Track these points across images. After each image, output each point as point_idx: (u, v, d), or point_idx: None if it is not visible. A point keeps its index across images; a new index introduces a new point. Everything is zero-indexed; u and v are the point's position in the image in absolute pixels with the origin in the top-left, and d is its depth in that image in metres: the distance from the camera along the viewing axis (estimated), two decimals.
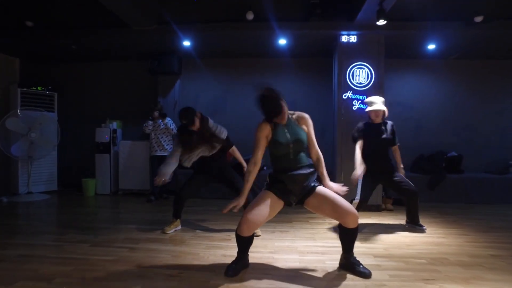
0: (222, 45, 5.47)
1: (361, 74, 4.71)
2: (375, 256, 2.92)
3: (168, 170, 3.38)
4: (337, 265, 2.69)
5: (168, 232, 3.55)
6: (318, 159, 2.58)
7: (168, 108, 6.03)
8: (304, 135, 2.50)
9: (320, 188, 2.48)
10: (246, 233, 2.42)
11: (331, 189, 2.48)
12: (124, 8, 4.20)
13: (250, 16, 4.47)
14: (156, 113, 5.41)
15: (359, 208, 3.50)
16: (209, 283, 2.36)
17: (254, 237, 2.69)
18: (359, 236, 3.47)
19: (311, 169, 2.51)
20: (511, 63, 5.94)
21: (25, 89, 5.83)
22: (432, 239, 3.49)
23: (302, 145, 2.48)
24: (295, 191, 2.46)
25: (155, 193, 5.47)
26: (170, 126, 5.45)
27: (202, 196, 5.48)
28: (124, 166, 5.94)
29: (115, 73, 6.39)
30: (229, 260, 2.66)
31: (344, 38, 4.72)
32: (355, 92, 4.71)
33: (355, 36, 4.70)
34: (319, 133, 5.79)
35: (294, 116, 2.56)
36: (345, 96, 4.72)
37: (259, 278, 2.45)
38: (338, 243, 3.26)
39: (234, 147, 3.80)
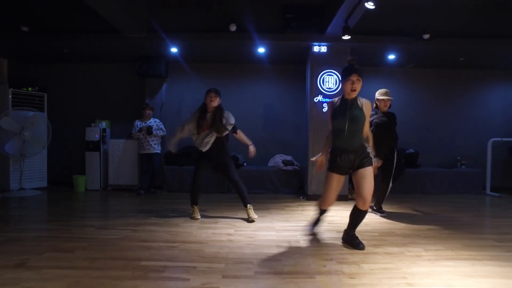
0: (207, 52, 6.01)
1: (330, 80, 5.39)
2: (338, 231, 3.57)
3: (172, 140, 4.14)
4: (307, 238, 3.32)
5: (197, 217, 4.10)
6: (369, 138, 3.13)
7: (155, 109, 6.50)
8: (360, 115, 2.95)
9: (367, 168, 2.94)
10: (324, 207, 3.26)
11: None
12: (117, 16, 4.62)
13: (233, 28, 5.04)
14: (148, 112, 5.94)
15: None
16: (204, 251, 2.93)
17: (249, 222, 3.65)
18: (325, 218, 4.16)
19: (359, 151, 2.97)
20: (458, 72, 6.84)
21: (15, 89, 6.11)
22: (386, 219, 4.20)
23: (356, 125, 2.94)
24: (343, 165, 2.99)
25: (144, 188, 5.92)
26: (159, 133, 5.95)
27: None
28: (114, 163, 6.34)
29: (104, 75, 6.77)
30: (219, 237, 3.29)
31: (316, 48, 5.39)
32: (325, 96, 5.39)
33: (325, 47, 5.37)
34: (295, 131, 6.56)
35: (360, 99, 3.01)
36: (316, 99, 5.39)
37: (244, 247, 3.04)
38: (308, 223, 3.94)
39: (239, 131, 4.20)
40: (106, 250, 2.92)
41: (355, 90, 2.92)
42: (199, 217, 4.12)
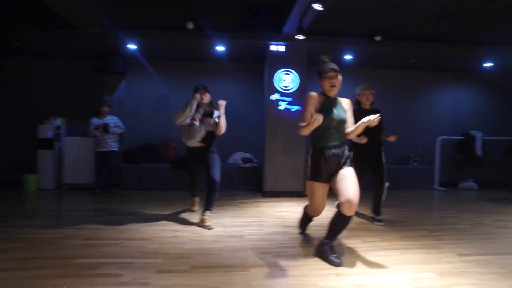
0: (166, 49, 5.95)
1: (287, 79, 5.50)
2: (284, 226, 3.66)
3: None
4: (253, 233, 3.38)
5: (193, 209, 4.25)
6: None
7: (113, 106, 6.37)
8: (344, 115, 2.75)
9: (347, 168, 2.67)
10: (316, 215, 3.08)
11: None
12: (70, 11, 4.51)
13: (190, 26, 5.02)
14: (105, 109, 5.80)
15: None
16: (146, 247, 2.92)
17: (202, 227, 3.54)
18: (275, 214, 4.27)
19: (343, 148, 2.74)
20: (410, 74, 7.16)
21: None
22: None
23: (341, 125, 2.72)
24: (329, 168, 2.70)
25: (100, 186, 5.79)
26: (117, 131, 5.82)
27: (148, 188, 5.92)
28: (69, 161, 6.15)
29: (60, 71, 6.53)
30: (165, 233, 3.30)
31: (273, 48, 5.48)
32: (282, 94, 5.49)
33: (283, 46, 5.47)
34: (254, 129, 6.62)
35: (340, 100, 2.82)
36: (273, 98, 5.48)
37: (187, 242, 3.06)
38: (258, 219, 4.02)
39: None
40: (43, 249, 2.84)
41: (334, 86, 2.70)
42: (196, 209, 4.23)
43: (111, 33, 5.12)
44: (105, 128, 5.66)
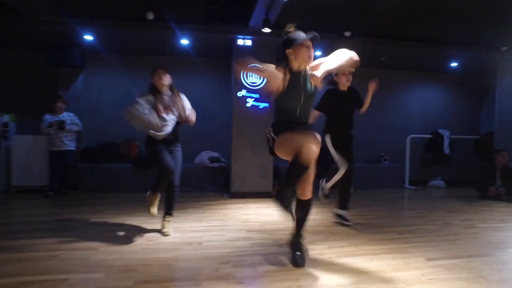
0: (126, 42, 5.55)
1: (254, 74, 5.25)
2: (248, 230, 3.41)
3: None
4: (212, 239, 3.12)
5: (153, 212, 3.32)
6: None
7: (70, 103, 5.89)
8: (313, 90, 2.49)
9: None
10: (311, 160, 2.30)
11: None
12: None
13: (150, 16, 4.67)
14: (59, 105, 5.33)
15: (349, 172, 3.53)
16: (89, 259, 2.58)
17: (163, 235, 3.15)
18: (240, 217, 4.02)
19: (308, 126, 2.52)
20: (381, 72, 7.08)
21: None
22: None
23: (309, 101, 2.48)
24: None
25: (54, 188, 5.33)
26: (74, 128, 5.40)
27: (109, 189, 5.51)
28: (18, 162, 5.62)
29: (8, 63, 5.96)
30: (114, 241, 2.93)
31: (240, 42, 5.21)
32: (249, 90, 5.24)
33: (250, 40, 5.22)
34: (223, 127, 6.33)
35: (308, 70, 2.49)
36: (240, 94, 5.22)
37: (137, 252, 2.75)
38: (221, 223, 3.76)
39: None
40: None
41: (310, 58, 2.43)
42: (155, 211, 3.32)
43: (63, 21, 4.67)
44: (60, 125, 5.20)
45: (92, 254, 2.70)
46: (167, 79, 3.29)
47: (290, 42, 2.44)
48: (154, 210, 3.31)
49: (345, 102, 3.71)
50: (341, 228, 3.61)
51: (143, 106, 3.09)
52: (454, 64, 6.71)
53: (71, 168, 5.50)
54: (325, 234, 3.35)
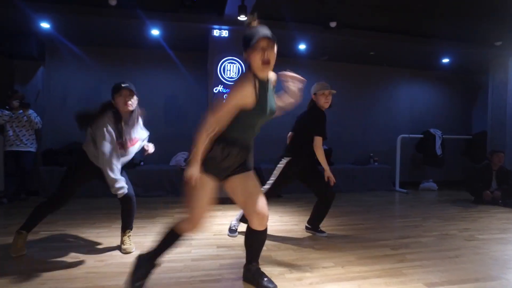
0: (89, 31, 4.99)
1: (232, 68, 4.78)
2: (219, 246, 2.94)
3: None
4: (175, 258, 2.62)
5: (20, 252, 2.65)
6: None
7: (29, 98, 5.32)
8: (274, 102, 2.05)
9: (251, 172, 2.08)
10: (195, 231, 1.99)
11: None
12: None
13: (113, 2, 4.14)
14: (16, 103, 4.71)
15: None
16: None
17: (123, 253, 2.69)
18: (213, 227, 3.55)
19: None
20: (368, 68, 6.73)
21: None
22: (285, 227, 3.70)
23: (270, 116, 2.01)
24: (230, 165, 1.98)
25: (9, 194, 4.75)
26: (34, 119, 4.82)
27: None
28: None
29: None
30: (58, 262, 2.41)
31: (216, 33, 4.73)
32: (226, 86, 4.76)
33: (226, 31, 4.75)
34: (198, 126, 5.82)
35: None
36: (216, 90, 4.74)
37: (78, 279, 2.24)
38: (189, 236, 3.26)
39: None
40: None
41: (269, 63, 1.84)
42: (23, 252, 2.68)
43: (12, 5, 4.10)
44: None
45: (17, 281, 2.18)
46: (134, 103, 2.63)
47: (245, 44, 1.86)
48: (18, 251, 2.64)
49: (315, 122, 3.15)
50: (326, 241, 3.17)
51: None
52: (445, 61, 6.37)
53: (29, 171, 4.93)
54: (307, 251, 2.90)
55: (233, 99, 1.84)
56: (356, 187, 6.06)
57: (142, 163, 5.52)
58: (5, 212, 4.29)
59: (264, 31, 1.82)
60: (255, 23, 1.87)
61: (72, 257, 2.67)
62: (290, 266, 2.54)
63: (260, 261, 2.25)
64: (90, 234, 3.29)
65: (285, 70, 2.02)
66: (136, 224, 3.52)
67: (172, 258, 2.65)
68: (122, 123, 2.60)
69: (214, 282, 2.24)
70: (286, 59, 6.20)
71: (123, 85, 2.57)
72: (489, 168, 5.27)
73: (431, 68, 6.93)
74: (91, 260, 2.60)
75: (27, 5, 4.10)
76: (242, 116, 1.88)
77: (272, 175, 3.19)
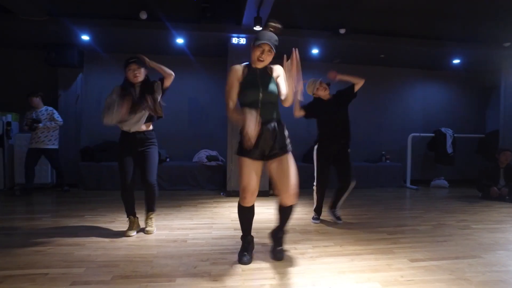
0: (122, 41, 5.61)
1: None
2: (235, 229, 3.41)
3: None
4: (198, 236, 3.13)
5: (130, 235, 3.13)
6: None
7: (69, 102, 6.02)
8: (273, 84, 2.46)
9: (287, 156, 2.47)
10: (248, 202, 2.45)
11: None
12: None
13: (143, 15, 4.70)
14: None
15: (320, 193, 3.71)
16: (73, 254, 2.63)
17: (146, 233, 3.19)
18: (231, 215, 4.02)
19: (276, 123, 2.47)
20: (380, 69, 7.01)
21: None
22: (296, 215, 4.11)
23: (271, 96, 2.43)
24: (261, 145, 2.40)
25: (24, 187, 5.21)
26: (50, 124, 5.20)
27: (107, 188, 5.60)
28: (21, 160, 5.76)
29: (8, 63, 6.07)
30: (102, 238, 2.97)
31: (235, 40, 5.21)
32: None
33: (244, 39, 5.21)
34: (220, 125, 6.34)
35: (269, 68, 2.51)
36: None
37: (122, 248, 2.77)
38: (211, 221, 3.77)
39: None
40: None
41: (262, 61, 2.40)
42: (133, 233, 3.18)
43: (59, 22, 4.75)
44: (31, 125, 5.09)
45: (77, 250, 2.75)
46: (140, 75, 3.13)
47: (253, 41, 2.43)
48: (129, 233, 3.16)
49: (330, 110, 3.65)
50: (329, 228, 3.57)
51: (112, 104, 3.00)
52: (456, 61, 6.56)
53: (56, 167, 5.50)
54: (312, 234, 3.33)
55: (228, 77, 2.49)
56: (368, 184, 6.37)
57: (168, 160, 6.08)
58: (51, 201, 4.98)
59: (269, 37, 2.38)
60: (273, 28, 2.45)
61: (113, 234, 3.21)
62: (296, 244, 2.97)
63: (269, 242, 2.73)
64: (125, 219, 3.83)
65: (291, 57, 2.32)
66: (164, 211, 4.10)
67: (195, 236, 3.16)
68: (134, 89, 3.10)
69: (231, 253, 2.71)
70: (302, 63, 6.63)
71: (130, 60, 3.11)
72: (497, 166, 5.47)
73: (443, 68, 7.12)
74: (130, 237, 3.13)
75: (71, 21, 4.74)
76: (241, 96, 2.44)
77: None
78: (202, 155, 6.10)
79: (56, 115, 5.32)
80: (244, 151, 2.41)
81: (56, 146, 5.39)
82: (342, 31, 4.98)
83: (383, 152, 6.91)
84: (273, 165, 2.47)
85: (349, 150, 3.75)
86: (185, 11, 4.92)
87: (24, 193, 5.14)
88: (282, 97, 2.46)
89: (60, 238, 3.04)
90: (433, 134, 6.84)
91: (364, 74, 6.83)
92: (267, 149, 2.44)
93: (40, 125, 5.15)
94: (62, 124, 5.40)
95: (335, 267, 2.45)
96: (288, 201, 2.48)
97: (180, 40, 5.31)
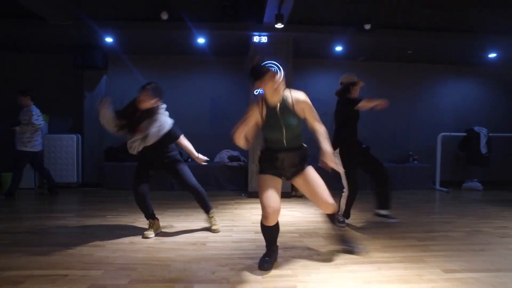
0: (144, 43, 5.66)
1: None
2: (256, 232, 3.31)
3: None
4: (218, 240, 3.06)
5: (149, 236, 3.12)
6: (317, 132, 2.51)
7: (95, 103, 6.11)
8: (295, 121, 2.43)
9: (308, 170, 2.50)
10: (271, 222, 2.38)
11: (323, 163, 2.40)
12: (37, 3, 4.26)
13: (164, 16, 4.71)
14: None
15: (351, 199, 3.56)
16: (93, 256, 2.63)
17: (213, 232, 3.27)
18: (252, 217, 3.94)
19: (300, 150, 2.51)
20: (408, 66, 6.71)
21: None
22: (319, 218, 3.97)
23: (294, 131, 2.44)
24: (283, 167, 2.48)
25: (11, 191, 4.96)
26: (34, 121, 4.93)
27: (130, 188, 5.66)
28: (50, 159, 5.94)
29: (36, 66, 6.26)
30: (122, 239, 2.96)
31: (256, 39, 5.12)
32: None
33: (266, 37, 5.11)
34: None
35: (290, 98, 2.45)
36: (256, 92, 5.12)
37: (140, 251, 2.75)
38: (231, 223, 3.70)
39: (182, 137, 3.44)
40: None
41: (277, 89, 2.35)
42: (152, 235, 3.15)
43: (84, 25, 4.83)
44: (12, 126, 4.92)
45: (97, 251, 2.74)
46: (145, 102, 3.14)
47: (255, 77, 2.38)
48: (148, 234, 3.14)
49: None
50: (354, 232, 3.41)
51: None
52: (492, 55, 6.17)
53: (39, 171, 5.39)
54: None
55: (247, 113, 2.46)
56: (394, 185, 6.09)
57: (189, 160, 6.07)
58: (76, 200, 5.07)
59: (268, 65, 2.39)
60: (256, 60, 2.55)
61: (134, 235, 3.20)
62: (318, 250, 2.84)
63: (292, 245, 2.73)
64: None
65: None
66: (184, 212, 4.07)
67: (215, 239, 3.10)
68: (138, 113, 3.17)
69: (251, 259, 2.61)
70: (324, 60, 6.46)
71: (146, 84, 3.15)
72: None
73: (477, 63, 6.72)
74: (149, 239, 3.10)
75: (95, 23, 4.81)
76: (264, 131, 2.47)
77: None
78: (223, 155, 6.05)
79: (35, 117, 4.95)
80: (263, 168, 2.48)
81: (34, 149, 5.06)
82: (367, 26, 4.77)
83: (411, 153, 6.61)
84: (300, 182, 2.53)
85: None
86: (205, 11, 4.89)
87: (9, 197, 4.91)
88: (311, 129, 2.53)
89: (81, 239, 3.06)
90: (465, 134, 6.46)
91: (389, 71, 6.67)
92: (289, 172, 2.51)
93: (17, 128, 4.93)
94: (42, 126, 5.14)
95: (361, 276, 2.31)
96: (327, 211, 2.57)
97: (201, 40, 5.28)
